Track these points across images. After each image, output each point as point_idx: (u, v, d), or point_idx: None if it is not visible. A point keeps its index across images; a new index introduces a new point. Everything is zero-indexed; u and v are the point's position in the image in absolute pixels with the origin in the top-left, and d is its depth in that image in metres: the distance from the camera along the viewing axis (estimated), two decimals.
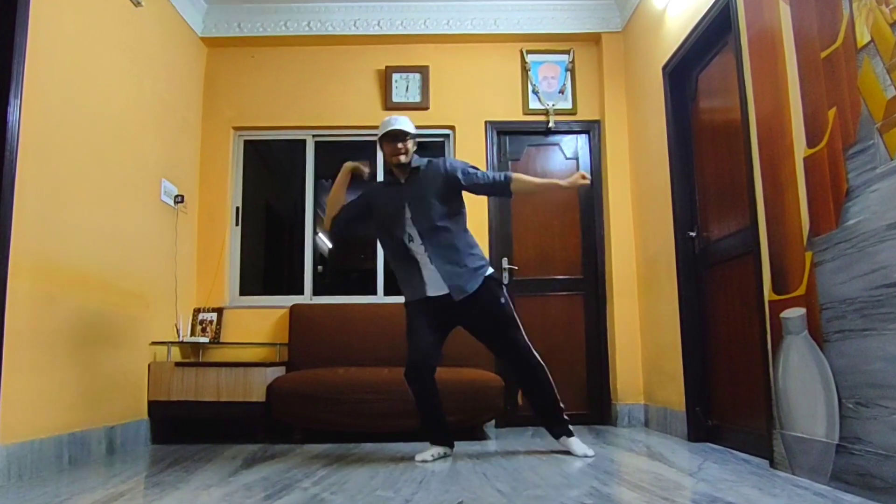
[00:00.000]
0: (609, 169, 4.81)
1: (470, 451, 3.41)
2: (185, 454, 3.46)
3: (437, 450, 3.22)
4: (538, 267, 4.83)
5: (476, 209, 4.80)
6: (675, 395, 3.91)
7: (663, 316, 4.13)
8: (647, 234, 4.46)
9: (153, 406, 3.94)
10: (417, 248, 3.20)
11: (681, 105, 3.98)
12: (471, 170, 3.29)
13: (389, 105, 4.90)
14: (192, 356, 4.49)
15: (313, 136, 5.03)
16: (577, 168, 4.94)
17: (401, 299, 4.87)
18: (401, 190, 3.26)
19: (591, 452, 3.18)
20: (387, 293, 4.84)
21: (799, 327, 2.57)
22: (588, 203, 4.90)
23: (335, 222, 3.38)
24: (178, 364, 4.03)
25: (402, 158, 3.21)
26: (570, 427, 3.30)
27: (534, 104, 4.97)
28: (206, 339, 4.47)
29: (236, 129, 4.97)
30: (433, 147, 5.08)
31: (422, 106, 4.92)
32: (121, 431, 3.60)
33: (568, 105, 4.99)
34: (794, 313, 2.60)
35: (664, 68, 4.07)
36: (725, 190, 3.47)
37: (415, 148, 3.28)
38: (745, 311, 3.21)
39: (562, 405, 3.31)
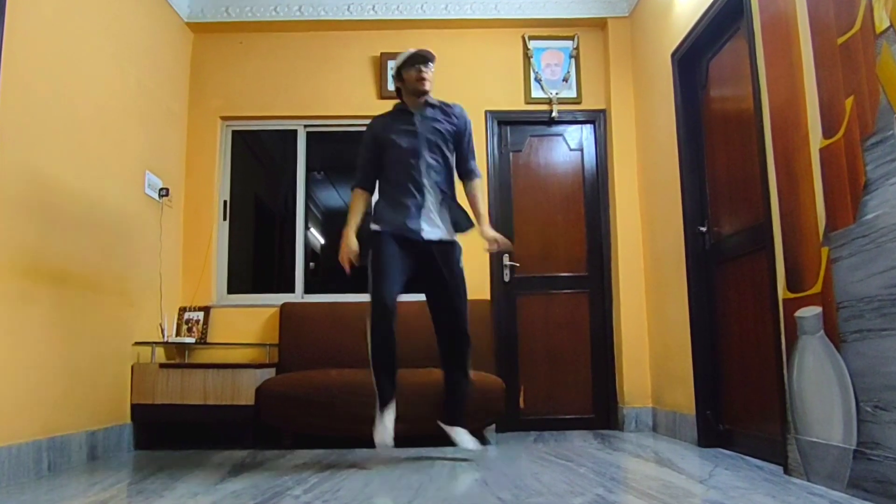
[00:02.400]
0: (615, 161, 4.80)
1: (469, 457, 3.41)
2: (170, 460, 3.46)
3: (390, 416, 3.16)
4: (541, 263, 4.83)
5: None
6: (684, 398, 3.92)
7: (672, 315, 4.12)
8: (655, 230, 4.46)
9: (136, 410, 3.93)
10: (424, 181, 3.25)
11: (690, 94, 3.97)
12: (471, 137, 3.47)
13: (385, 94, 4.89)
14: (178, 357, 4.48)
15: (305, 126, 5.02)
16: (582, 159, 4.94)
17: (401, 298, 4.87)
18: (415, 122, 3.32)
19: (475, 447, 3.27)
20: None
21: (814, 327, 2.57)
22: (593, 197, 4.90)
23: (371, 192, 3.41)
24: (162, 366, 4.02)
25: (427, 85, 3.28)
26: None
27: (536, 93, 4.96)
28: (192, 340, 4.46)
29: (224, 118, 4.95)
30: None
31: None
32: (102, 436, 3.59)
33: (572, 94, 4.98)
34: (810, 312, 2.60)
35: (673, 55, 4.06)
36: (737, 183, 3.47)
37: (433, 84, 3.36)
38: (757, 309, 3.21)
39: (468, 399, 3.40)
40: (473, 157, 3.48)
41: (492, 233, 3.38)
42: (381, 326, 3.12)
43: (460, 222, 3.34)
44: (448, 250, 3.30)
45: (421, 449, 3.69)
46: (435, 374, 4.03)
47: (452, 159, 3.40)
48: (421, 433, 3.84)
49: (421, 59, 3.27)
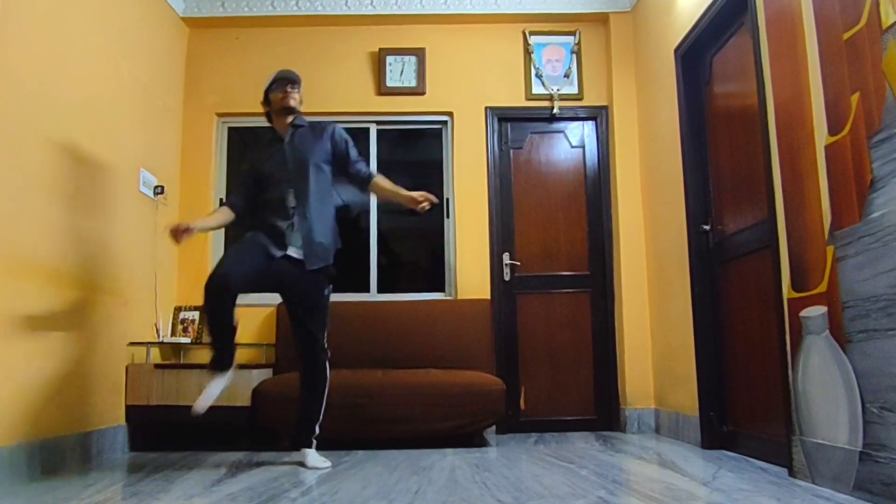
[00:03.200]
0: (617, 158, 4.80)
1: (469, 459, 3.41)
2: (165, 462, 3.46)
3: (218, 385, 3.12)
4: (542, 262, 4.83)
5: (476, 201, 4.81)
6: (687, 399, 3.92)
7: (675, 315, 4.12)
8: (658, 228, 4.46)
9: (131, 411, 3.93)
10: (291, 208, 3.26)
11: (694, 90, 3.97)
12: (352, 150, 3.47)
13: (383, 90, 4.89)
14: (173, 358, 4.48)
15: None
16: (583, 157, 4.94)
17: (397, 297, 4.86)
18: (283, 148, 3.34)
19: (324, 465, 3.26)
20: (380, 291, 4.83)
21: (820, 327, 2.57)
22: (595, 195, 4.89)
23: (236, 214, 3.38)
24: (157, 366, 4.02)
25: (292, 102, 3.31)
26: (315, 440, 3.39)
27: (537, 89, 4.96)
28: (187, 340, 4.46)
29: (220, 115, 4.95)
30: (430, 135, 5.07)
31: (418, 91, 4.91)
32: (97, 438, 3.59)
33: (573, 90, 4.97)
34: (815, 312, 2.60)
35: (676, 50, 4.06)
36: (741, 180, 3.46)
37: (301, 105, 3.40)
38: (762, 309, 3.21)
39: (319, 428, 3.40)
40: (363, 164, 3.49)
41: (413, 193, 3.37)
42: (210, 297, 3.03)
43: (319, 256, 3.31)
44: (308, 276, 3.29)
45: (420, 451, 3.70)
46: (433, 374, 4.04)
47: (327, 179, 3.42)
48: (419, 435, 3.85)
49: (286, 80, 3.33)
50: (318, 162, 3.34)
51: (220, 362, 3.13)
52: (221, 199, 4.89)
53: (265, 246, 3.20)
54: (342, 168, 3.45)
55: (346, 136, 3.47)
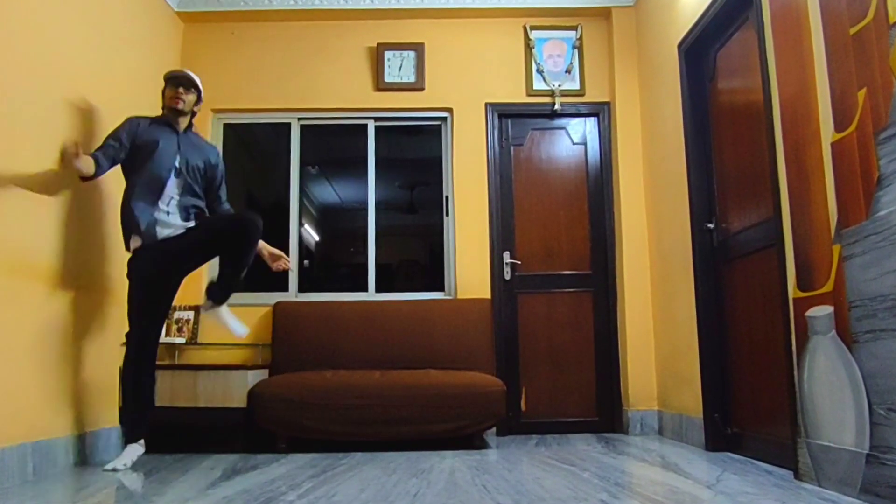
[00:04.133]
0: (620, 155, 4.80)
1: (469, 461, 3.41)
2: (159, 464, 3.46)
3: (130, 455, 3.33)
4: (543, 261, 4.83)
5: (475, 199, 4.81)
6: (691, 400, 3.92)
7: (679, 314, 4.12)
8: (662, 226, 4.46)
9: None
10: (171, 194, 3.45)
11: (698, 86, 3.97)
12: (223, 184, 3.79)
13: (381, 85, 4.89)
14: (167, 358, 4.48)
15: (298, 119, 5.01)
16: (585, 154, 4.94)
17: (394, 297, 4.88)
18: (176, 137, 3.55)
19: (243, 331, 3.54)
20: (378, 290, 4.83)
21: (826, 327, 2.57)
22: (597, 192, 4.89)
23: (98, 169, 3.37)
24: None
25: (180, 105, 3.53)
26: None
27: (538, 85, 4.96)
28: (182, 340, 4.46)
29: (215, 111, 4.94)
30: (429, 131, 5.07)
31: (416, 86, 4.91)
32: (90, 440, 3.58)
33: (575, 86, 4.97)
34: (821, 312, 2.60)
35: (680, 46, 4.05)
36: (746, 178, 3.46)
37: (194, 107, 3.64)
38: (767, 309, 3.21)
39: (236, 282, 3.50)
40: (226, 198, 3.79)
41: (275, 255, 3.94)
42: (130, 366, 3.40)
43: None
44: (183, 234, 3.45)
45: (419, 453, 3.70)
46: (432, 375, 4.04)
47: (200, 189, 3.61)
48: (418, 436, 3.85)
49: (179, 80, 3.55)
50: (199, 168, 3.58)
51: (131, 431, 3.44)
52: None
53: (153, 254, 3.37)
54: (209, 188, 3.69)
55: (221, 163, 3.78)
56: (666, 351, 4.41)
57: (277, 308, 4.57)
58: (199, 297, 4.62)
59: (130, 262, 3.43)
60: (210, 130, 4.90)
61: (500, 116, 4.96)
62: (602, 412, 4.69)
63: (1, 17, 2.93)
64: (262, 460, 3.57)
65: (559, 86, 4.94)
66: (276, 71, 4.94)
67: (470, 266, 4.77)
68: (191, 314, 4.55)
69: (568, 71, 4.98)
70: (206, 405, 3.95)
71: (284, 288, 4.84)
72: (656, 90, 4.52)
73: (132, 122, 3.48)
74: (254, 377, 4.06)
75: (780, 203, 2.88)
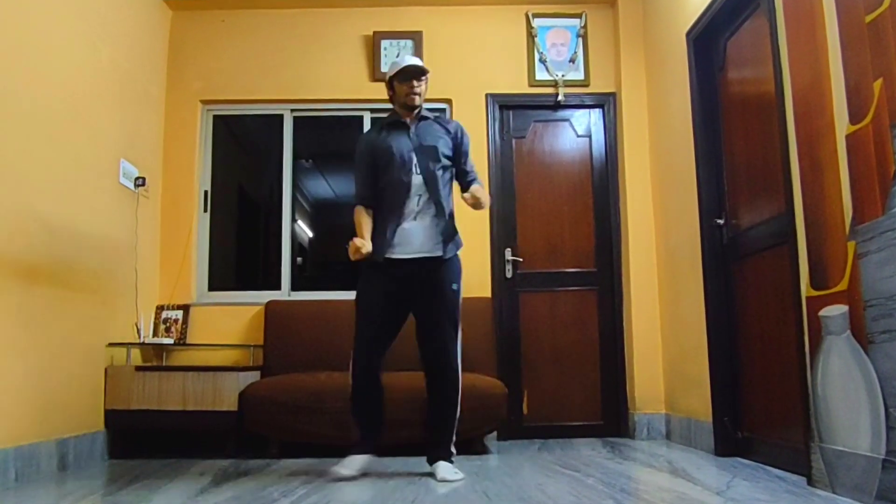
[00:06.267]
0: (626, 148, 4.79)
1: (469, 467, 3.42)
2: (146, 470, 3.45)
3: (356, 463, 3.19)
4: (546, 259, 4.83)
5: None
6: (700, 403, 3.92)
7: (687, 314, 4.12)
8: (669, 222, 4.45)
9: (111, 416, 3.92)
10: (413, 196, 3.27)
11: (707, 76, 3.96)
12: (468, 150, 3.49)
13: (378, 76, 4.87)
14: (155, 359, 4.48)
15: (291, 110, 5.01)
16: (590, 146, 4.94)
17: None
18: (408, 134, 3.37)
19: (456, 477, 3.09)
20: None
21: (840, 327, 2.56)
22: (602, 187, 4.89)
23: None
24: (138, 368, 4.02)
25: (417, 100, 3.34)
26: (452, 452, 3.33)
27: (541, 75, 4.96)
28: (170, 341, 4.45)
29: (205, 102, 4.94)
30: None
31: None
32: (74, 444, 3.58)
33: (579, 76, 4.97)
34: (835, 311, 2.60)
35: (688, 34, 4.05)
36: (757, 172, 3.46)
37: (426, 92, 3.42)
38: (779, 308, 3.21)
39: (456, 436, 3.34)
40: (474, 171, 3.48)
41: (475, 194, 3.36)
42: (360, 383, 3.25)
43: (448, 242, 3.33)
44: (434, 268, 3.27)
45: (417, 458, 3.69)
46: None
47: (449, 174, 3.41)
48: (416, 441, 3.85)
49: (413, 73, 3.32)
50: (441, 152, 3.35)
51: (363, 440, 3.29)
52: (207, 192, 4.88)
53: (382, 271, 3.24)
54: (456, 164, 3.44)
55: (467, 134, 3.51)
56: (674, 352, 4.41)
57: (269, 307, 4.56)
58: (188, 296, 4.66)
59: None
60: (199, 123, 4.90)
61: (500, 108, 4.95)
62: (607, 415, 4.69)
63: None
64: (253, 465, 3.57)
65: (563, 76, 4.94)
66: (268, 60, 4.93)
67: (469, 263, 4.71)
68: (179, 314, 4.55)
69: (572, 60, 4.98)
70: (196, 408, 3.94)
71: (277, 286, 4.84)
72: (664, 80, 4.51)
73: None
74: (245, 379, 4.06)
75: (792, 198, 2.88)
